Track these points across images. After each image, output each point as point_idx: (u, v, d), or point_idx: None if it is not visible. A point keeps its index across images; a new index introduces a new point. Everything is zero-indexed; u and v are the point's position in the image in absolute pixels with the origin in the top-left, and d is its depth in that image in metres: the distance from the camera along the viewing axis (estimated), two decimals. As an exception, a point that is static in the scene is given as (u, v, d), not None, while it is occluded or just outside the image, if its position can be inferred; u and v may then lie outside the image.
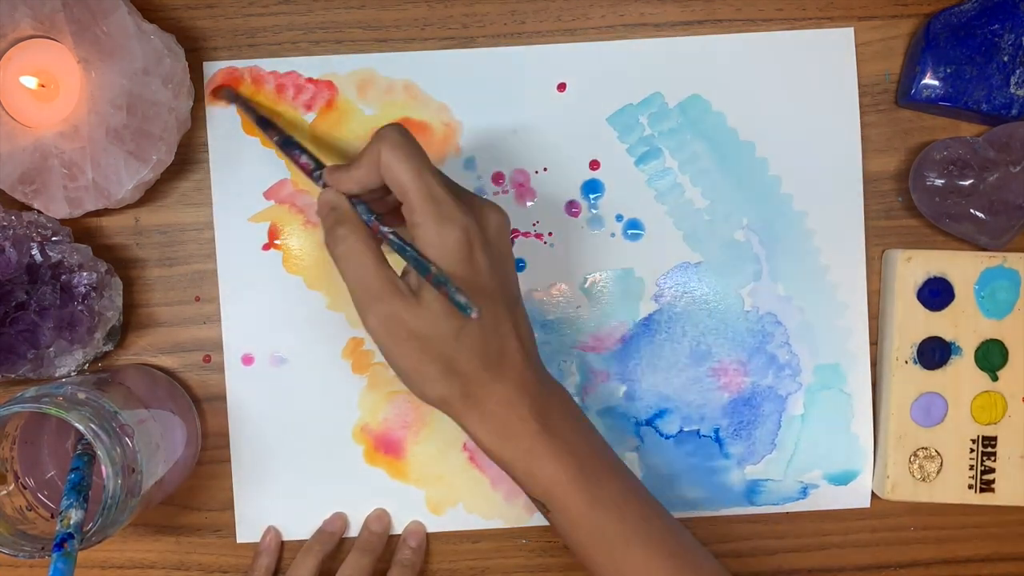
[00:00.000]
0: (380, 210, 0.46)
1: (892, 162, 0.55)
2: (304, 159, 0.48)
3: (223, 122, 0.54)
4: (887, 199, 0.55)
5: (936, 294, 0.53)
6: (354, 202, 0.45)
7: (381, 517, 0.55)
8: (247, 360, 0.55)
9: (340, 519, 0.55)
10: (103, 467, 0.43)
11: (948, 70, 0.53)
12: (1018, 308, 0.53)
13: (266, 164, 0.55)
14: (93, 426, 0.43)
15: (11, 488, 0.47)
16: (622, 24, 0.55)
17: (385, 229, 0.44)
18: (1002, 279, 0.53)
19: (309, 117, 0.55)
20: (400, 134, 0.43)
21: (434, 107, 0.55)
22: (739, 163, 0.55)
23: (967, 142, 0.52)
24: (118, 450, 0.44)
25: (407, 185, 0.42)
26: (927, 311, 0.54)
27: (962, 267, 0.53)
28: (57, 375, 0.51)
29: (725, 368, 0.55)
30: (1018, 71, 0.52)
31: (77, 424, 0.43)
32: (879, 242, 0.55)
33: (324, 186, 0.46)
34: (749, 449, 0.55)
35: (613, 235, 0.55)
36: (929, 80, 0.53)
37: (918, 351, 0.54)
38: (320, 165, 0.47)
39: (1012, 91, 0.53)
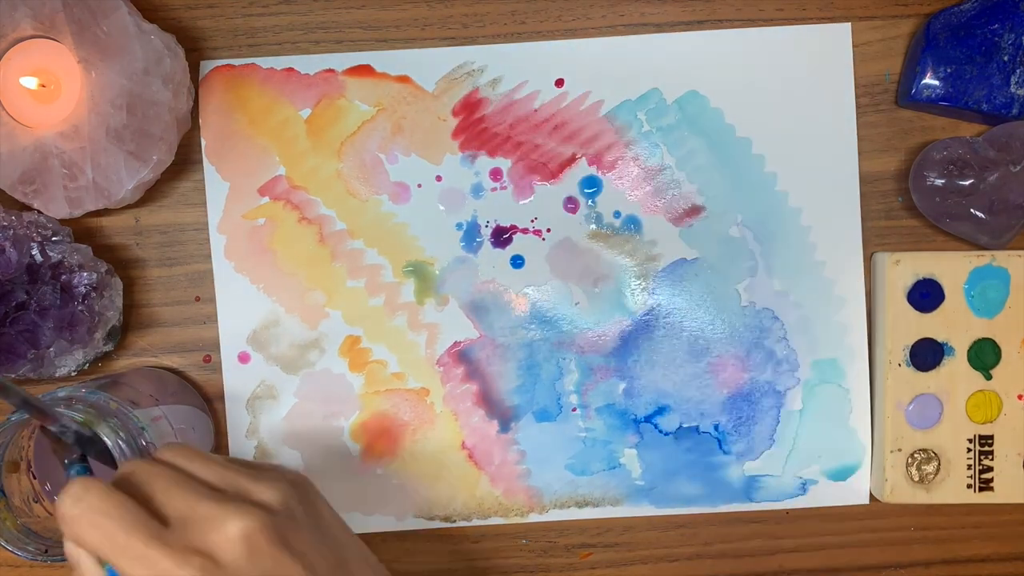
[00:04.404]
0: None
1: (892, 162, 0.55)
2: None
3: (216, 118, 0.55)
4: (887, 199, 0.55)
5: (926, 296, 0.53)
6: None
7: None
8: (243, 358, 0.55)
9: None
10: None
11: (948, 70, 0.53)
12: (1009, 306, 0.53)
13: (260, 159, 0.55)
14: (121, 443, 0.43)
15: (22, 476, 0.47)
16: (622, 24, 0.55)
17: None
18: (992, 278, 0.53)
19: (304, 113, 0.55)
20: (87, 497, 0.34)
21: (431, 102, 0.55)
22: (736, 159, 0.55)
23: (967, 142, 0.52)
24: None
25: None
26: (918, 313, 0.53)
27: (951, 267, 0.53)
28: (57, 375, 0.51)
29: (724, 363, 0.55)
30: (1018, 71, 0.52)
31: (106, 439, 0.43)
32: (879, 242, 0.55)
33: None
34: (748, 445, 0.55)
35: (611, 231, 0.55)
36: (929, 80, 0.53)
37: (911, 353, 0.54)
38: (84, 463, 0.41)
39: (1012, 91, 0.52)
